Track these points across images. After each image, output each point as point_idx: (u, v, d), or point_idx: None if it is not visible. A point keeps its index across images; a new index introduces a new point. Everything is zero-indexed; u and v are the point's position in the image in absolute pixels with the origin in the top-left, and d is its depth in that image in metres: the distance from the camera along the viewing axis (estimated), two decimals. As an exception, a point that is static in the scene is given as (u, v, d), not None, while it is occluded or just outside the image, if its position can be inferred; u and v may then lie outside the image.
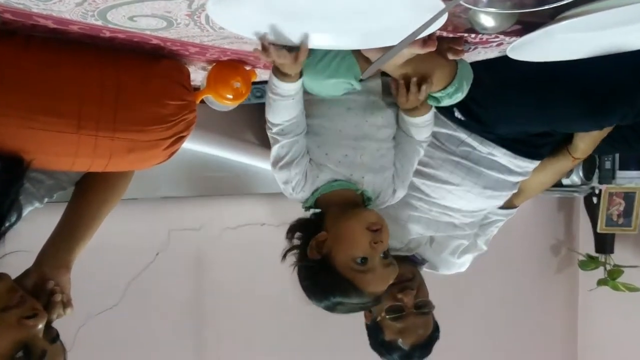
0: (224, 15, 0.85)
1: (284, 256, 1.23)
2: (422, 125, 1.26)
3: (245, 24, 0.90)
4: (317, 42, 0.98)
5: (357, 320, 1.50)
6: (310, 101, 1.24)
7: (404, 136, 1.29)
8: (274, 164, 1.24)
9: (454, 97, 1.19)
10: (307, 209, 1.26)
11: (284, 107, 1.17)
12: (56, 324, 1.14)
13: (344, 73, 1.12)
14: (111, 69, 1.07)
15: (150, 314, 1.75)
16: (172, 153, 1.21)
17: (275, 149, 1.23)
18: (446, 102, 1.21)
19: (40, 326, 1.00)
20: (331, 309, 1.20)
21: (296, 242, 1.23)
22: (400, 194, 1.31)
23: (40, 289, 1.12)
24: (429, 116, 1.25)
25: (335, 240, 1.16)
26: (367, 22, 0.88)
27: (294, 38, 0.97)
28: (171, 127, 1.13)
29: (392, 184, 1.29)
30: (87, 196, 1.24)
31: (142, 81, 1.09)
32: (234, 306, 1.93)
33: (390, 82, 1.19)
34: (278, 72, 1.11)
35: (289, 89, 1.13)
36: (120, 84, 1.06)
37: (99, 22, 0.93)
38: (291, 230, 1.24)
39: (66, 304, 1.14)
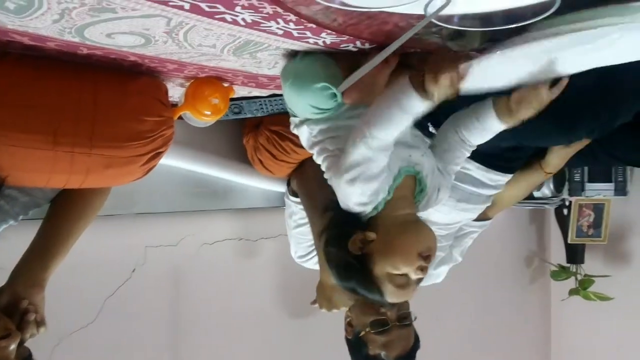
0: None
1: (321, 233, 1.18)
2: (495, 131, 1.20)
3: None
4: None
5: (337, 335, 1.51)
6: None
7: (458, 142, 1.24)
8: (354, 178, 1.08)
9: None
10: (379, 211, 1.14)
11: (405, 123, 1.06)
12: (30, 344, 1.12)
13: (327, 77, 1.10)
14: (88, 86, 1.07)
15: (126, 332, 1.72)
16: (150, 169, 1.21)
17: (365, 164, 1.07)
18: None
19: (13, 346, 0.99)
20: (350, 291, 1.19)
21: (336, 223, 1.16)
22: (444, 194, 1.26)
23: (14, 308, 1.10)
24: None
25: (384, 247, 1.11)
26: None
27: None
28: (149, 143, 1.13)
29: (438, 175, 1.23)
30: (63, 213, 1.23)
31: (119, 97, 1.09)
32: (212, 323, 1.92)
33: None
34: (422, 91, 1.00)
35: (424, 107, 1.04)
36: (98, 100, 1.07)
37: (76, 39, 0.93)
38: (332, 210, 1.17)
39: (39, 323, 1.12)
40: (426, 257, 1.11)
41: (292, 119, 1.25)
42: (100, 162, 1.09)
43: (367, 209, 1.13)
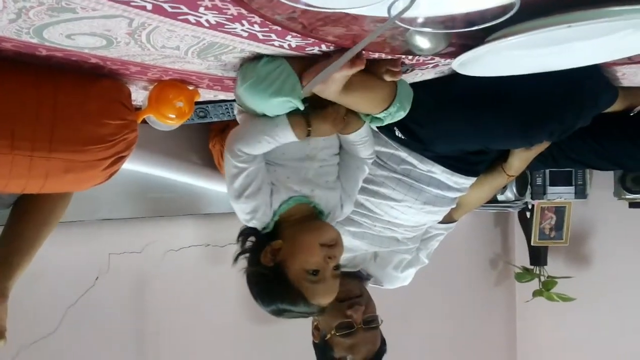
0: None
1: (236, 259, 1.23)
2: (360, 143, 1.28)
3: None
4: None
5: (306, 342, 1.50)
6: None
7: (348, 154, 1.32)
8: (239, 195, 1.19)
9: (396, 115, 1.23)
10: (271, 230, 1.24)
11: (270, 146, 1.20)
12: (-14, 355, 1.09)
13: (288, 92, 1.12)
14: (48, 88, 1.04)
15: (89, 341, 1.68)
16: (112, 174, 1.18)
17: (240, 180, 1.18)
18: (389, 121, 1.25)
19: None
20: (277, 314, 1.22)
21: (248, 245, 1.24)
22: (348, 209, 1.34)
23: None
24: (363, 132, 1.27)
25: (290, 250, 1.18)
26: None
27: None
28: (111, 147, 1.11)
29: (339, 200, 1.31)
30: (23, 219, 1.19)
31: (80, 100, 1.06)
32: (178, 332, 1.88)
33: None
34: (301, 132, 1.18)
35: (293, 139, 1.19)
36: (57, 103, 1.04)
37: (35, 40, 0.91)
38: (243, 234, 1.24)
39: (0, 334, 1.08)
40: (330, 247, 1.17)
41: (237, 105, 1.25)
42: (60, 166, 1.06)
43: (257, 224, 1.22)
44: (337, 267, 1.20)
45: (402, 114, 1.23)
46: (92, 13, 0.80)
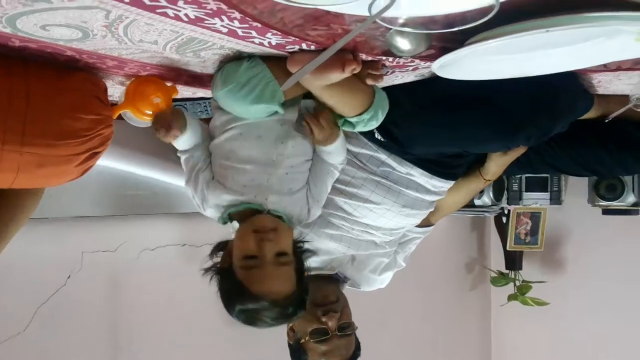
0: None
1: (206, 271, 1.23)
2: (334, 152, 1.29)
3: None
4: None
5: (282, 341, 1.49)
6: (225, 122, 1.24)
7: (319, 159, 1.31)
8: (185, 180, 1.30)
9: (369, 124, 1.23)
10: (224, 224, 1.26)
11: (188, 160, 1.28)
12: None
13: (268, 99, 1.13)
14: (20, 80, 1.01)
15: (60, 341, 1.64)
16: (86, 170, 1.16)
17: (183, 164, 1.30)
18: (360, 128, 1.25)
19: None
20: (244, 319, 1.19)
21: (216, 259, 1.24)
22: (315, 212, 1.32)
23: None
24: (338, 142, 1.28)
25: (233, 246, 1.19)
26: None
27: None
28: (85, 142, 1.08)
29: (307, 203, 1.30)
30: (-8, 214, 1.16)
31: (54, 93, 1.04)
32: (153, 332, 1.86)
33: (303, 121, 1.24)
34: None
35: (184, 143, 1.26)
36: (30, 95, 1.01)
37: (7, 30, 0.89)
38: (215, 249, 1.25)
39: None
40: (262, 232, 1.16)
41: (214, 102, 1.26)
42: (32, 160, 1.03)
43: (211, 215, 1.27)
44: (282, 254, 1.16)
45: (373, 124, 1.24)
46: (68, 4, 0.78)
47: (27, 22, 0.85)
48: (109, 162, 1.58)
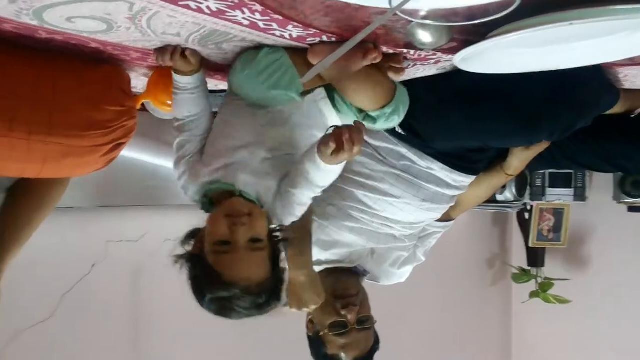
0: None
1: (177, 260, 1.16)
2: (333, 172, 1.14)
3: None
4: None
5: (302, 332, 1.50)
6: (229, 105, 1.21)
7: (304, 177, 1.14)
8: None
9: (391, 119, 1.20)
10: (207, 212, 1.19)
11: (183, 100, 1.19)
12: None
13: (286, 86, 1.12)
14: (47, 71, 1.04)
15: (85, 328, 1.68)
16: (111, 160, 1.18)
17: (174, 145, 1.23)
18: (381, 124, 1.21)
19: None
20: (212, 309, 1.13)
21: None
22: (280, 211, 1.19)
23: (-34, 300, 1.06)
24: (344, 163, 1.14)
25: (205, 231, 1.13)
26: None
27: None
28: (109, 133, 1.11)
29: (274, 201, 1.18)
30: (19, 203, 1.19)
31: (79, 85, 1.06)
32: (173, 321, 1.88)
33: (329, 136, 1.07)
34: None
35: (185, 82, 1.17)
36: (57, 87, 1.04)
37: (35, 22, 0.91)
38: (187, 236, 1.18)
39: None
40: (235, 217, 1.08)
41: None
42: (58, 150, 1.06)
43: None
44: (255, 240, 1.09)
45: (395, 120, 1.21)
46: (93, -4, 0.80)
47: (53, 14, 0.87)
48: (133, 153, 1.61)
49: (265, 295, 1.10)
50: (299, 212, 1.19)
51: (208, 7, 0.85)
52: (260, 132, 1.17)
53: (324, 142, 1.05)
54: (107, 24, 0.91)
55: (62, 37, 0.98)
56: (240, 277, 1.08)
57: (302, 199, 1.16)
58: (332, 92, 1.21)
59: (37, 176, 1.13)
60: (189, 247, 1.15)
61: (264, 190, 1.16)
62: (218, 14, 0.88)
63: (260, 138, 1.17)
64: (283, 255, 1.17)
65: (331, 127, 1.10)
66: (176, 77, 1.16)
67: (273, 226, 1.17)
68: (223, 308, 1.11)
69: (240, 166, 1.15)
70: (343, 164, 1.12)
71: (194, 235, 1.15)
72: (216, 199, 1.16)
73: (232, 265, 1.08)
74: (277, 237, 1.15)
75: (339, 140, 1.03)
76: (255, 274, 1.09)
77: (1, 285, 1.16)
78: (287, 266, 1.25)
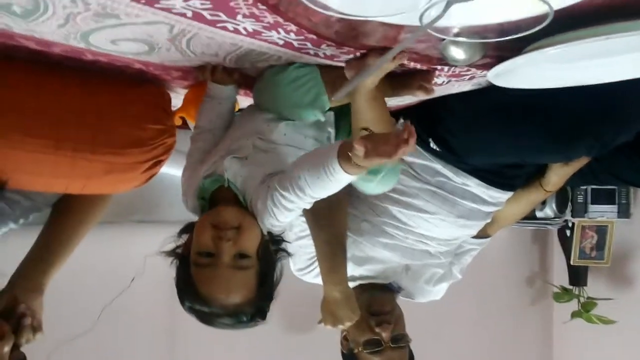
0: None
1: (168, 254, 1.12)
2: (343, 182, 0.98)
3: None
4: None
5: (335, 348, 1.50)
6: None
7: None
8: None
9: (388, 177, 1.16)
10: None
11: (209, 109, 1.19)
12: (27, 349, 1.12)
13: (309, 103, 1.11)
14: (92, 91, 1.08)
15: (124, 340, 1.72)
16: (151, 177, 1.22)
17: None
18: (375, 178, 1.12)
19: (6, 349, 0.99)
20: (193, 315, 1.07)
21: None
22: (262, 206, 1.06)
23: (11, 311, 1.11)
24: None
25: (193, 235, 1.06)
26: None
27: None
28: (150, 151, 1.14)
29: (263, 196, 1.06)
30: (63, 218, 1.24)
31: (122, 104, 1.10)
32: (209, 334, 1.90)
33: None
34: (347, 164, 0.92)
35: (218, 90, 1.17)
36: (101, 106, 1.08)
37: (81, 45, 0.95)
38: (182, 230, 1.13)
39: (36, 328, 1.13)
40: (222, 229, 1.00)
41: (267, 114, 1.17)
42: (100, 167, 1.10)
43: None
44: (242, 256, 1.01)
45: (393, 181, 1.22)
46: (135, 19, 0.84)
47: (98, 37, 0.91)
48: (171, 170, 1.65)
49: (246, 315, 1.04)
50: (281, 217, 1.05)
51: (244, 28, 0.87)
52: (263, 123, 1.14)
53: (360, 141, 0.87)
54: (148, 46, 0.95)
55: (107, 58, 1.03)
56: (217, 296, 1.00)
57: (288, 204, 1.03)
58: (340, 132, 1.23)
59: (80, 192, 1.18)
60: (182, 241, 1.10)
61: (249, 177, 1.08)
62: (254, 34, 0.90)
63: (261, 128, 1.13)
64: (278, 268, 1.09)
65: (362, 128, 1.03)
66: (210, 85, 1.17)
67: (276, 236, 1.09)
68: (202, 319, 1.06)
69: (232, 152, 1.11)
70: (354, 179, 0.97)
71: (188, 229, 1.09)
72: (211, 201, 1.09)
73: (211, 282, 1.00)
74: (271, 249, 1.07)
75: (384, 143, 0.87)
76: (234, 294, 1.01)
77: (44, 297, 1.20)
78: (321, 283, 1.25)
